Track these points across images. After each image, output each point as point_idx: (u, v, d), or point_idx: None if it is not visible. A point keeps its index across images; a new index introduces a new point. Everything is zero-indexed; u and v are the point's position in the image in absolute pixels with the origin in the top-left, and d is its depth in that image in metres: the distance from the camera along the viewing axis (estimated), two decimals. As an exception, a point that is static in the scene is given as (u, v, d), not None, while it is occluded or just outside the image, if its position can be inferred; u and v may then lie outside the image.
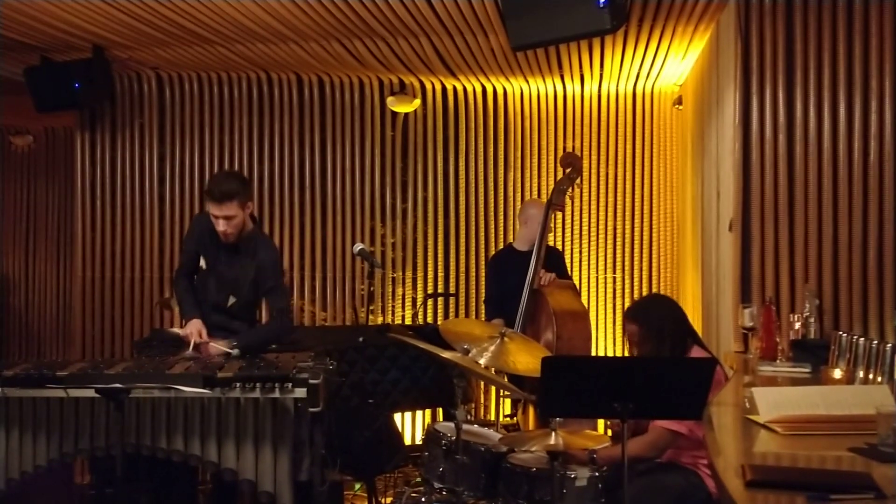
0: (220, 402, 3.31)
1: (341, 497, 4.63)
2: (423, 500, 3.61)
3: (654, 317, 3.38)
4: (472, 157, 6.32)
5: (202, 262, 4.03)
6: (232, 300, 3.99)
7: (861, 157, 3.91)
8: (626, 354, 3.87)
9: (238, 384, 3.27)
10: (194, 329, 3.84)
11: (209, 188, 3.88)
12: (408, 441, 5.81)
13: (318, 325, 6.14)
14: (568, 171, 4.86)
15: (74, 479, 4.71)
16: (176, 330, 4.10)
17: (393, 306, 6.24)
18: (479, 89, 6.30)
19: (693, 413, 2.76)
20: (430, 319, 6.16)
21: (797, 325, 3.81)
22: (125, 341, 6.07)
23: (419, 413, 6.04)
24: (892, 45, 3.82)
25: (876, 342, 2.91)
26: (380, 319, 6.16)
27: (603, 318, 6.31)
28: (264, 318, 4.23)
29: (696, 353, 3.38)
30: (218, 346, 3.79)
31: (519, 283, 4.60)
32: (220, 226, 3.83)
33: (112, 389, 3.03)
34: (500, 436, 3.66)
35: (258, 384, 3.27)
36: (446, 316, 6.19)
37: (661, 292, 6.26)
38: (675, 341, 3.36)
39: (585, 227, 6.35)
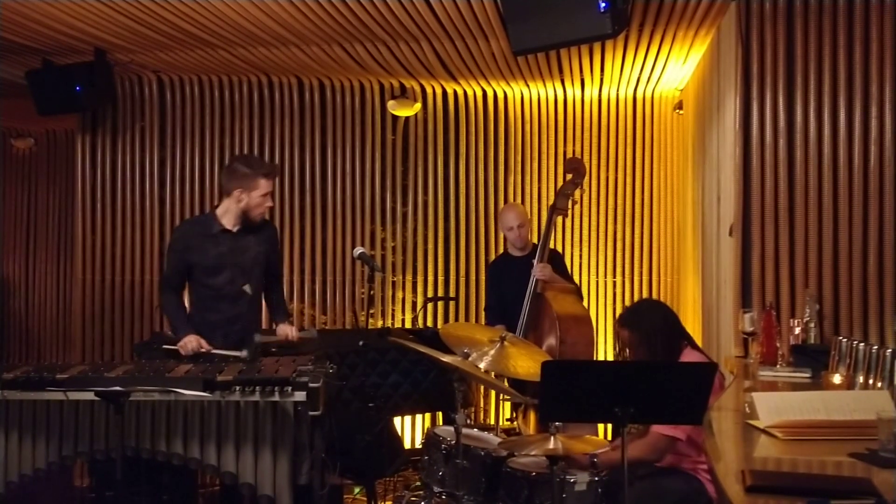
0: (219, 405, 3.31)
1: (341, 501, 4.63)
2: (422, 504, 3.61)
3: (645, 321, 3.39)
4: (472, 161, 6.32)
5: (199, 266, 4.00)
6: (248, 286, 4.02)
7: (861, 163, 3.92)
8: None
9: (238, 387, 3.28)
10: (193, 339, 3.82)
11: (269, 168, 4.12)
12: (408, 445, 5.81)
13: (318, 328, 6.13)
14: (572, 176, 4.86)
15: (74, 482, 4.69)
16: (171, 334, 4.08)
17: (393, 310, 6.24)
18: (479, 93, 6.30)
19: (693, 418, 2.76)
20: (430, 323, 6.16)
21: (797, 330, 3.82)
22: (125, 344, 6.06)
23: (419, 417, 6.04)
24: (893, 51, 3.84)
25: (876, 347, 2.91)
26: (380, 323, 6.16)
27: (603, 322, 6.30)
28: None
29: (688, 355, 3.39)
30: (223, 353, 3.79)
31: (518, 289, 4.57)
32: (269, 201, 4.05)
33: (112, 392, 3.03)
34: (499, 440, 3.66)
35: (258, 387, 3.28)
36: (446, 320, 6.19)
37: (662, 297, 6.27)
38: (667, 345, 3.37)
39: (586, 232, 6.35)
